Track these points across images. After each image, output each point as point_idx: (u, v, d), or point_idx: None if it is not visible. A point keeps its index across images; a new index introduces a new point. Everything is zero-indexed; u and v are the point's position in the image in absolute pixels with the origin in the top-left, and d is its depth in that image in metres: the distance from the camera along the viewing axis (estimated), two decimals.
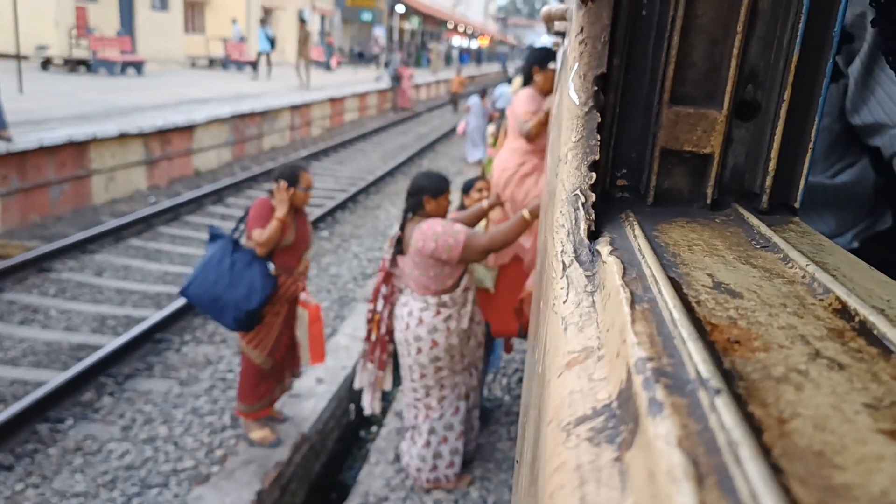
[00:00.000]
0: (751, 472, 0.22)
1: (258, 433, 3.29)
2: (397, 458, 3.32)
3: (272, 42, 16.40)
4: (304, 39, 15.51)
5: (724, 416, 0.25)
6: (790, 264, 0.39)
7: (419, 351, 2.82)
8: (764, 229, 0.44)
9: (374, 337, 2.99)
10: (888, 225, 0.91)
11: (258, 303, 2.89)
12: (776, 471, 0.23)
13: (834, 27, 0.44)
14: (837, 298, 0.34)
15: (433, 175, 2.90)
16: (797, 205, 0.48)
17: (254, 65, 16.80)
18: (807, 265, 0.38)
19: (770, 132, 0.48)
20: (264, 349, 3.09)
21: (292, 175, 2.97)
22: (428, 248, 2.67)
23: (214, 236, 3.01)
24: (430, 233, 2.66)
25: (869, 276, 0.37)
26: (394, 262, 2.90)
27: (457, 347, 2.86)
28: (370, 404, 3.09)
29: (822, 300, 0.35)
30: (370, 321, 3.01)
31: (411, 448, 3.07)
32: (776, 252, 0.41)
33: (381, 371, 3.01)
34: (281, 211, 2.88)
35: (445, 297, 2.78)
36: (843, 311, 0.33)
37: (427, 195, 2.78)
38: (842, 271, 0.38)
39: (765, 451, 0.24)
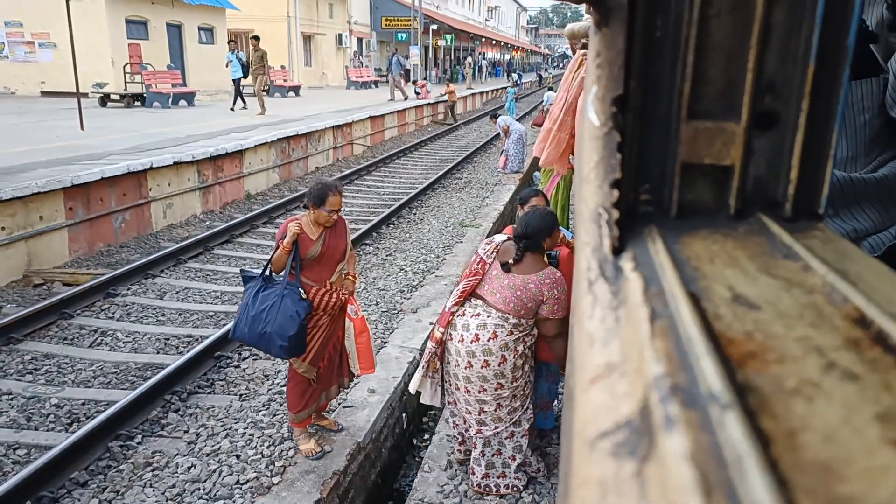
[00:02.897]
0: (755, 485, 0.24)
1: (304, 445, 3.41)
2: (450, 464, 3.35)
3: (245, 69, 14.27)
4: (258, 61, 13.48)
5: (732, 430, 0.27)
6: (811, 273, 0.40)
7: (485, 364, 2.88)
8: (786, 238, 0.45)
9: None
10: None
11: (297, 327, 3.06)
12: (781, 483, 0.24)
13: (848, 35, 0.45)
14: (856, 307, 0.35)
15: (544, 214, 3.03)
16: (821, 210, 0.48)
17: (238, 94, 14.64)
18: (826, 274, 0.38)
19: (790, 141, 0.48)
20: (305, 359, 3.21)
21: (319, 196, 3.13)
22: (546, 288, 2.83)
23: (247, 278, 3.23)
24: (561, 288, 2.85)
25: (891, 283, 0.38)
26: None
27: (521, 370, 2.94)
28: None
29: (840, 310, 0.35)
30: (448, 324, 3.09)
31: (469, 455, 3.13)
32: (797, 261, 0.42)
33: None
34: (287, 240, 3.09)
35: (522, 321, 2.89)
36: (861, 321, 0.34)
37: (545, 236, 2.95)
38: (863, 279, 0.38)
39: (771, 464, 0.25)
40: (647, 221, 0.52)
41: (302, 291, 3.11)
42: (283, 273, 3.20)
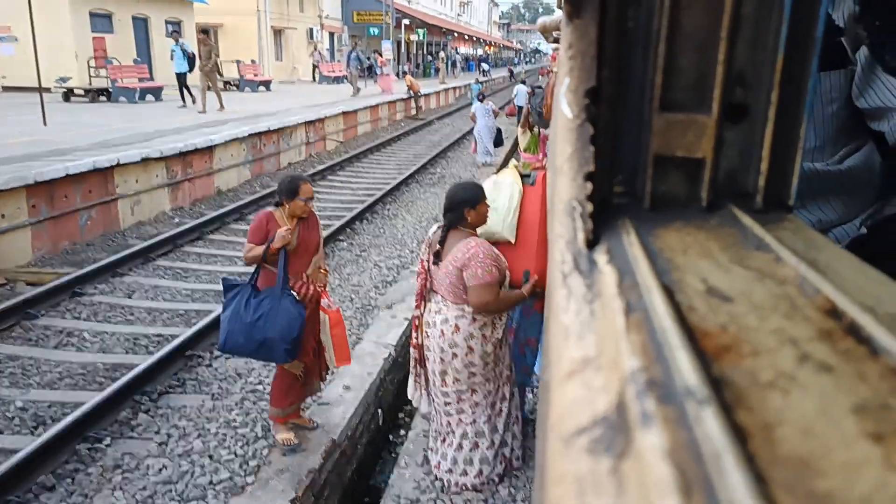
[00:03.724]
0: (733, 481, 0.23)
1: (282, 435, 3.41)
2: (426, 460, 3.35)
3: (191, 62, 13.34)
4: (207, 56, 12.67)
5: (709, 425, 0.26)
6: (782, 264, 0.40)
7: (454, 357, 2.89)
8: (758, 229, 0.45)
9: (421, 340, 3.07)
10: None
11: (300, 328, 3.03)
12: (760, 479, 0.24)
13: (817, 26, 0.45)
14: (827, 299, 0.35)
15: (468, 186, 2.98)
16: (791, 202, 0.48)
17: (184, 88, 13.75)
18: (798, 265, 0.38)
19: (760, 133, 0.48)
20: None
21: (291, 187, 3.11)
22: (460, 263, 2.77)
23: (229, 287, 3.15)
24: (472, 253, 2.75)
25: (860, 273, 0.38)
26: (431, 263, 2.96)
27: (491, 355, 2.93)
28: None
29: (812, 301, 0.35)
30: (418, 327, 3.06)
31: (446, 452, 3.11)
32: (769, 252, 0.42)
33: None
34: (276, 244, 3.03)
35: None
36: (833, 311, 0.34)
37: (467, 207, 2.85)
38: (834, 269, 0.38)
39: (749, 460, 0.25)
40: (621, 213, 0.51)
41: (295, 294, 3.09)
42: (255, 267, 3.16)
